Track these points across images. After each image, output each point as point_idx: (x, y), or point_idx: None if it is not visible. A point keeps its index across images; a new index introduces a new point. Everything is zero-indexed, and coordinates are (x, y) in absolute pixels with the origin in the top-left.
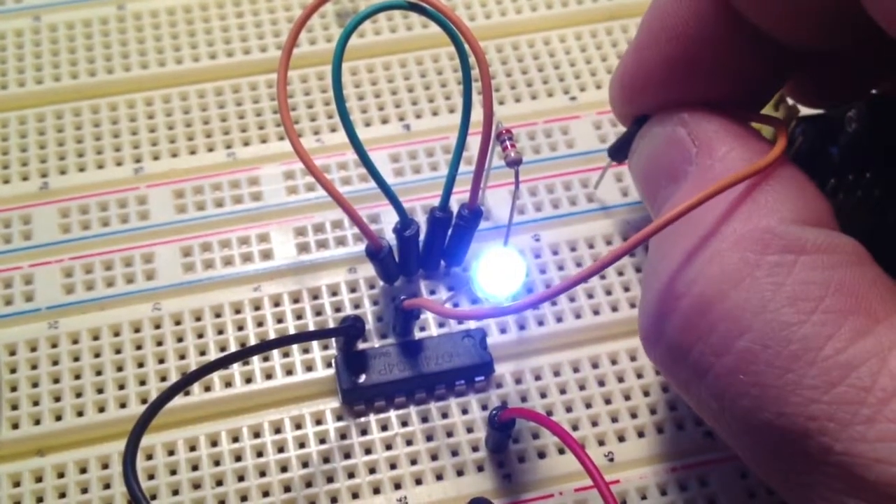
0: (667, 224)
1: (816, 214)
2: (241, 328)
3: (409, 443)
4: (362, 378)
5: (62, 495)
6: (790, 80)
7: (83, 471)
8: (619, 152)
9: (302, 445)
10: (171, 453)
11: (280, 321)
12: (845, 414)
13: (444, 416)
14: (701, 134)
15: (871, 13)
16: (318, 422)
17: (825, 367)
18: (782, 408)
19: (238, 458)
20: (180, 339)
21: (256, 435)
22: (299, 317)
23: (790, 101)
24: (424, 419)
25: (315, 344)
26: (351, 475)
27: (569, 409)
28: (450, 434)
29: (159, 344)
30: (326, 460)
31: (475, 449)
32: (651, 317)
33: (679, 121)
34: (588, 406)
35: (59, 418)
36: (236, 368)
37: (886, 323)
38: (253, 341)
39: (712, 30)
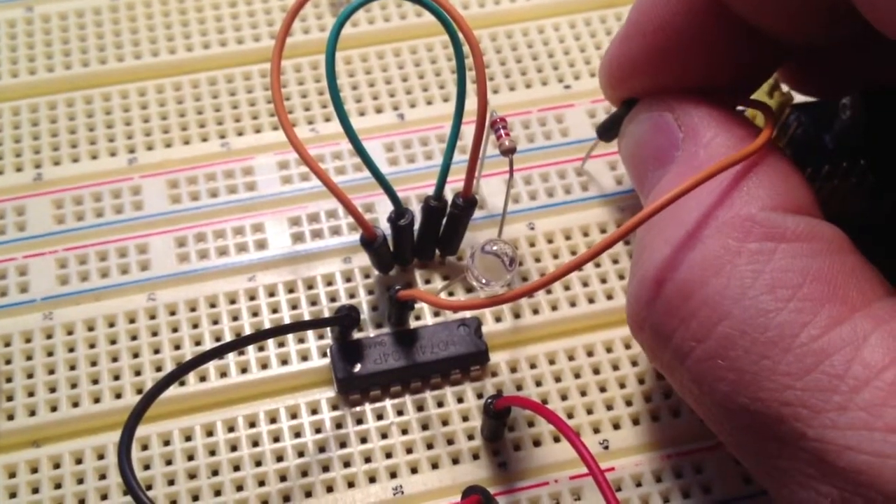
0: (654, 213)
1: (799, 202)
2: (236, 318)
3: (404, 432)
4: (357, 367)
5: (58, 486)
6: (784, 69)
7: (79, 461)
8: (606, 132)
9: (297, 435)
10: (166, 443)
11: (275, 311)
12: (818, 401)
13: (440, 404)
14: (687, 119)
15: (863, 13)
16: (314, 411)
17: (800, 353)
18: (758, 393)
19: (234, 448)
20: (175, 330)
21: (252, 424)
22: (294, 307)
23: (785, 88)
24: (420, 408)
25: (310, 333)
26: (346, 464)
27: (564, 397)
28: (445, 423)
29: (154, 334)
30: (322, 449)
31: (471, 437)
32: (637, 302)
33: (666, 106)
34: (583, 394)
35: (54, 409)
36: (231, 358)
37: (863, 312)
38: (248, 331)
39: (699, 22)
